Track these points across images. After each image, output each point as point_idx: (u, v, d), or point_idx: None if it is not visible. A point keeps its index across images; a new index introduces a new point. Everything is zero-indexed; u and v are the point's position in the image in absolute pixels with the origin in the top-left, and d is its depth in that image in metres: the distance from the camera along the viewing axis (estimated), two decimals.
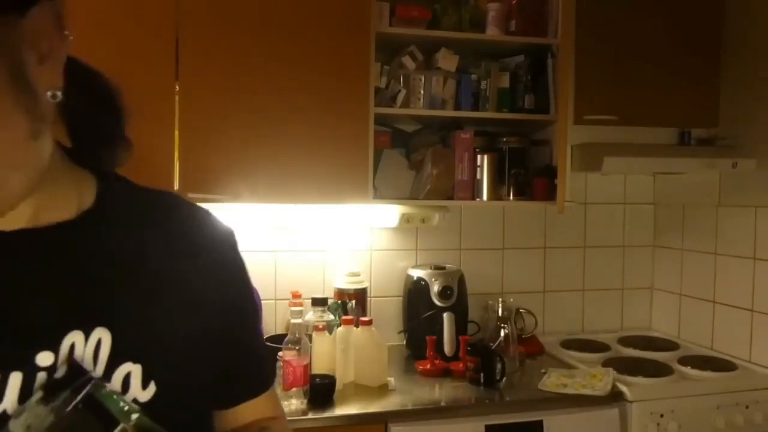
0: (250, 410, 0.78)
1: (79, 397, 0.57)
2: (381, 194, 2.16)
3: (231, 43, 1.88)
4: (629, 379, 2.02)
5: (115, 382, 0.60)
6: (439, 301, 2.22)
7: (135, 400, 0.60)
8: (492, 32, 2.16)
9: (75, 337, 0.60)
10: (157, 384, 0.62)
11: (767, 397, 2.05)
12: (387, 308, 2.40)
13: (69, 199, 0.65)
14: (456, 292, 2.24)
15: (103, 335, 0.61)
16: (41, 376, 0.58)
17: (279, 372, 1.81)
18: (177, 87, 1.84)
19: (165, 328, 0.65)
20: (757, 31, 2.23)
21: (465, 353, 2.06)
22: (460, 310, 2.24)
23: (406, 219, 2.28)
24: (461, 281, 2.29)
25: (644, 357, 2.28)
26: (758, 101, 2.22)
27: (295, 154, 1.93)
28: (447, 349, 2.16)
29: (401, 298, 2.39)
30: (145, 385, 0.61)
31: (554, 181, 2.16)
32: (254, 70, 1.90)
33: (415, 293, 2.28)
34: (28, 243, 0.62)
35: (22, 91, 0.52)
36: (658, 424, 1.94)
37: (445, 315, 2.18)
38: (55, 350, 0.59)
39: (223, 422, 0.77)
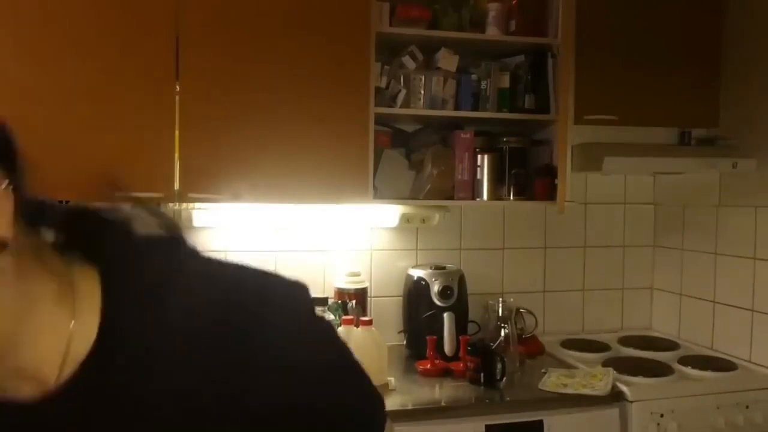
0: None
1: None
2: (381, 194, 2.15)
3: (231, 43, 1.88)
4: (629, 379, 2.02)
5: None
6: (439, 301, 2.22)
7: None
8: (492, 32, 2.16)
9: None
10: None
11: (767, 397, 2.05)
12: (387, 308, 2.40)
13: (59, 342, 0.58)
14: (456, 292, 2.24)
15: None
16: None
17: None
18: (177, 87, 1.84)
19: None
20: (757, 31, 2.23)
21: (465, 353, 2.06)
22: (460, 310, 2.24)
23: (406, 219, 2.28)
24: (461, 281, 2.29)
25: (644, 357, 2.28)
26: (758, 101, 2.22)
27: (295, 154, 1.93)
28: (447, 349, 2.16)
29: (401, 298, 2.39)
30: None
31: (554, 181, 2.16)
32: (254, 70, 1.90)
33: (415, 293, 2.28)
34: (30, 416, 0.58)
35: None
36: (658, 424, 1.94)
37: (445, 315, 2.18)
38: None
39: None
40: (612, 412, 1.93)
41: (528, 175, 2.24)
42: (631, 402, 1.93)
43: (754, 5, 2.25)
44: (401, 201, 2.20)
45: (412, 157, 2.27)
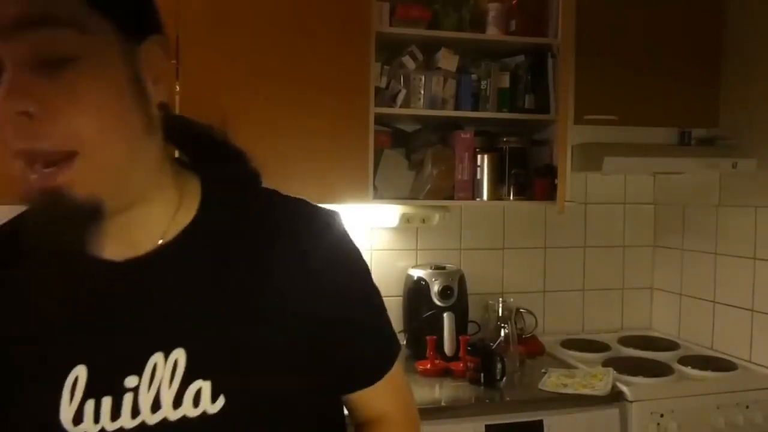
0: (365, 398, 0.84)
1: None
2: (381, 194, 2.15)
3: (231, 43, 1.88)
4: (629, 379, 2.02)
5: (188, 398, 0.67)
6: (439, 301, 2.22)
7: (205, 413, 0.67)
8: (492, 32, 2.16)
9: (157, 358, 0.68)
10: (227, 397, 0.68)
11: (767, 397, 2.05)
12: (387, 308, 2.39)
13: (168, 214, 0.73)
14: (456, 292, 2.24)
15: (179, 356, 0.68)
16: (128, 397, 0.67)
17: None
18: (177, 87, 1.84)
19: (243, 344, 0.70)
20: (757, 31, 2.23)
21: (465, 353, 2.06)
22: (460, 310, 2.24)
23: (406, 219, 2.28)
24: (461, 281, 2.29)
25: (644, 357, 2.28)
26: (758, 101, 2.22)
27: (295, 154, 1.93)
28: (447, 349, 2.16)
29: (401, 298, 2.39)
30: (214, 399, 0.67)
31: (554, 181, 2.16)
32: (254, 70, 1.90)
33: (415, 293, 2.28)
34: (125, 272, 0.71)
35: (140, 96, 0.66)
36: (658, 424, 1.94)
37: (445, 315, 2.18)
38: (140, 373, 0.68)
39: (350, 404, 0.86)
40: (612, 412, 1.93)
41: (528, 175, 2.24)
42: (631, 402, 1.93)
43: (754, 5, 2.25)
44: (401, 201, 2.20)
45: (412, 157, 2.27)
